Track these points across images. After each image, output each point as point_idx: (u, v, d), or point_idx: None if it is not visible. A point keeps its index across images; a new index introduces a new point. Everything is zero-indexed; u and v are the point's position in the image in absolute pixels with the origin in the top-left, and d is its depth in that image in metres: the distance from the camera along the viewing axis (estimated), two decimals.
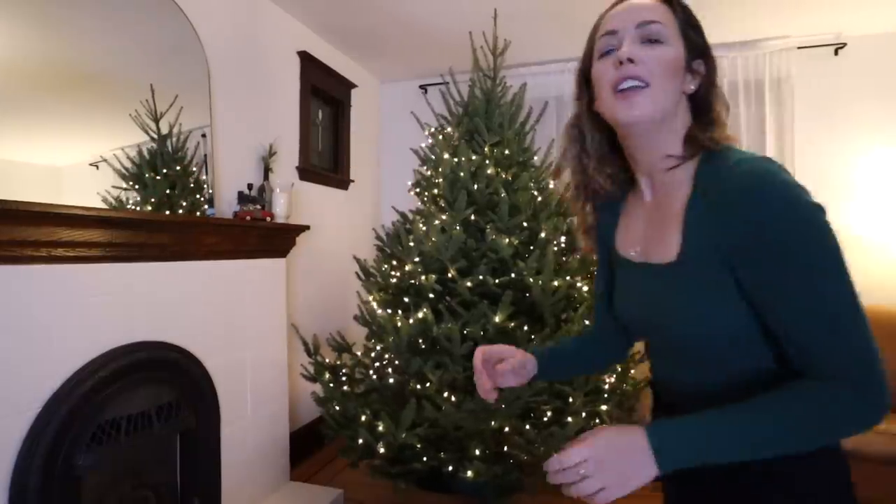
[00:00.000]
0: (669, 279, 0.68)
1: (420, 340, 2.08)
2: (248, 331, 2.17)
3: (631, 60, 0.66)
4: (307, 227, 2.46)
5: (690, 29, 0.70)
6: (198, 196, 2.05)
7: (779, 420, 0.58)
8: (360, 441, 1.97)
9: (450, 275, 2.08)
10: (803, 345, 0.59)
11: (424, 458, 1.97)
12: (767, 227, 0.58)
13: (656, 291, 0.71)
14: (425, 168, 2.48)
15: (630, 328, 0.84)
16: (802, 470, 0.64)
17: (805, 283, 0.57)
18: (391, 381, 2.10)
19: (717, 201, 0.62)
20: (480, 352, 0.87)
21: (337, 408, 2.14)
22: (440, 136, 2.44)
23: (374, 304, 2.28)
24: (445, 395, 1.98)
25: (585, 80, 0.76)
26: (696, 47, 0.70)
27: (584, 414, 2.04)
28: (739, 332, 0.64)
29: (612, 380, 2.21)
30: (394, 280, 2.27)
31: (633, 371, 2.43)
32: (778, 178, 0.59)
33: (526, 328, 2.07)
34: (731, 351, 0.66)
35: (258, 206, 2.23)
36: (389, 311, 2.20)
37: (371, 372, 2.20)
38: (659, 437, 0.59)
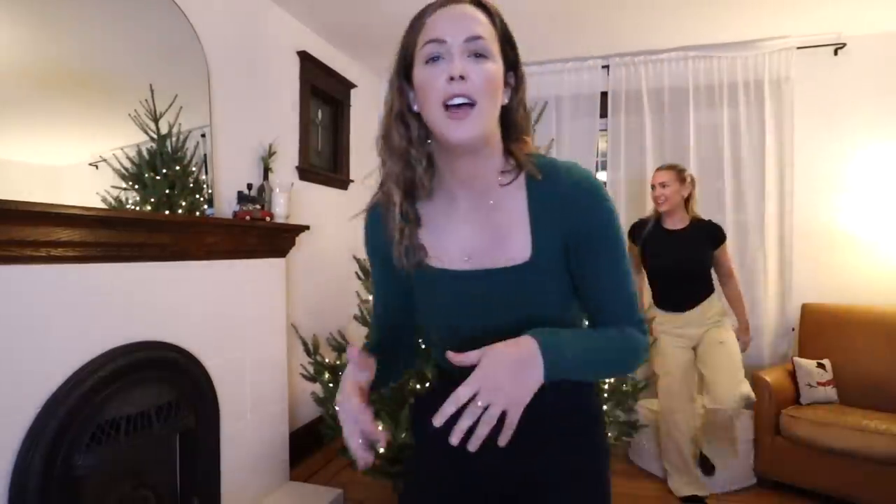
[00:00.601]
0: (523, 277, 0.74)
1: (420, 340, 2.08)
2: (248, 331, 2.17)
3: (462, 77, 0.66)
4: (307, 227, 2.46)
5: (507, 42, 0.74)
6: (197, 196, 2.04)
7: (610, 347, 0.73)
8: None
9: None
10: (605, 304, 0.76)
11: None
12: (598, 220, 0.73)
13: (506, 292, 0.75)
14: None
15: (445, 332, 0.81)
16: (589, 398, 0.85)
17: (613, 262, 0.75)
18: None
19: (562, 202, 0.73)
20: (357, 402, 0.73)
21: (336, 407, 2.13)
22: None
23: None
24: None
25: (406, 75, 0.75)
26: (510, 60, 0.75)
27: None
28: (574, 309, 0.79)
29: (612, 380, 2.20)
30: None
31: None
32: (600, 183, 0.76)
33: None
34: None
35: (258, 206, 2.23)
36: None
37: None
38: (546, 344, 0.64)
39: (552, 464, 0.79)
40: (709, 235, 2.39)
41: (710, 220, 2.46)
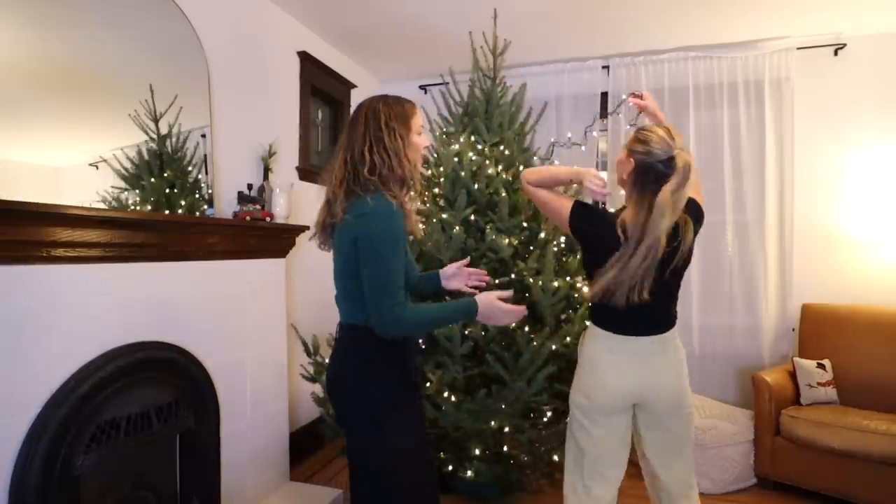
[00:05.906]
0: None
1: (420, 340, 2.08)
2: (248, 331, 2.17)
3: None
4: (307, 228, 2.45)
5: None
6: (197, 196, 2.04)
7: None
8: None
9: None
10: None
11: None
12: None
13: None
14: (426, 168, 2.48)
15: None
16: None
17: None
18: None
19: None
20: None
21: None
22: (443, 136, 2.45)
23: None
24: (445, 394, 1.98)
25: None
26: None
27: None
28: None
29: None
30: None
31: None
32: None
33: (526, 328, 2.06)
34: None
35: (258, 207, 2.23)
36: None
37: None
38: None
39: None
40: None
41: None
